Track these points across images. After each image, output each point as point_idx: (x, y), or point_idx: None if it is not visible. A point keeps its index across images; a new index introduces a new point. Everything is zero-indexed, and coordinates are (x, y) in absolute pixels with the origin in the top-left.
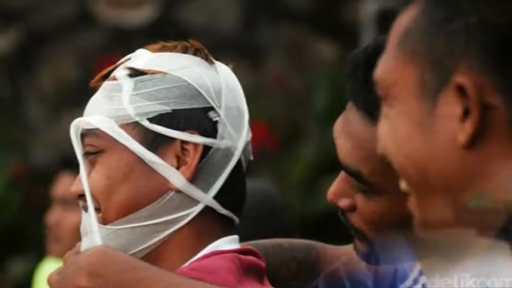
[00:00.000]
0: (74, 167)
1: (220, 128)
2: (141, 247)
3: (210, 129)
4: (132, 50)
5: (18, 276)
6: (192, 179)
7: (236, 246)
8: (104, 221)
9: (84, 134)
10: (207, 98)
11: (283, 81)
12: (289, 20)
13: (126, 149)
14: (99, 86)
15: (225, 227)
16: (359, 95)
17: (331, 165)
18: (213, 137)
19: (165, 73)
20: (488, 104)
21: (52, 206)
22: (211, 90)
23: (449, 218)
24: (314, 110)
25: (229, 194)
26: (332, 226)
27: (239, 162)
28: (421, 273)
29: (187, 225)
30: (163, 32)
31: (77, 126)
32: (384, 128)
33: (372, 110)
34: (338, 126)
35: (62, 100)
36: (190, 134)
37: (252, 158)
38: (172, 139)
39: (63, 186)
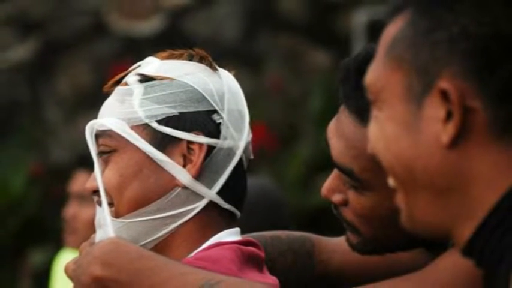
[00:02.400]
0: (89, 165)
1: (223, 129)
2: (151, 239)
3: (214, 130)
4: (142, 58)
5: (37, 266)
6: (197, 176)
7: (238, 237)
8: (116, 214)
9: (98, 135)
10: (211, 101)
11: (281, 86)
12: (286, 30)
13: (136, 148)
14: (112, 90)
15: (227, 220)
16: (351, 99)
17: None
18: (216, 137)
19: (172, 79)
20: (470, 107)
21: (69, 201)
22: (215, 95)
23: (433, 213)
24: (309, 113)
25: (231, 190)
26: (326, 219)
27: (240, 160)
28: None
29: (192, 218)
30: (170, 42)
31: (91, 127)
32: (373, 129)
33: (362, 112)
34: (331, 127)
35: (78, 104)
36: (195, 135)
37: (252, 157)
38: (179, 139)
39: (79, 182)
